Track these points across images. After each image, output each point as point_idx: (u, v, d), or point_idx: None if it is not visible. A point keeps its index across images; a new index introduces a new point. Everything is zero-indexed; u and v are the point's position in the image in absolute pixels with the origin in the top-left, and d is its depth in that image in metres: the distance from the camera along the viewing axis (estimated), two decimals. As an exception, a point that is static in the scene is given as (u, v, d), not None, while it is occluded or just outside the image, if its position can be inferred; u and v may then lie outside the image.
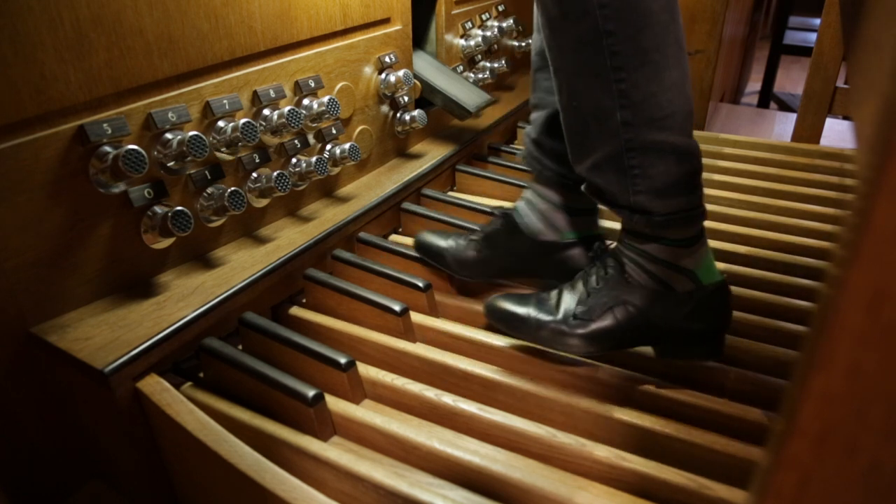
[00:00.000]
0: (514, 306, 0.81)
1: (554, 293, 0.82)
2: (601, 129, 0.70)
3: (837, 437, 0.21)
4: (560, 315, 0.78)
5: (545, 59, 0.86)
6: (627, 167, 0.70)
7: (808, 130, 1.65)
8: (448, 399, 0.77)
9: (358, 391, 0.79)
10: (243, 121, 0.84)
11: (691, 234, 0.73)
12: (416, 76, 1.24)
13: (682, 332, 0.75)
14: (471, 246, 0.96)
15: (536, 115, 0.94)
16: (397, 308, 0.87)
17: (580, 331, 0.77)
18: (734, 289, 0.97)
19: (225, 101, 0.85)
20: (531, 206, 0.94)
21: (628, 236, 0.77)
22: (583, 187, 0.79)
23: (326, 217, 1.03)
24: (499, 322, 0.82)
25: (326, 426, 0.73)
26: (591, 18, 0.65)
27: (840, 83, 1.60)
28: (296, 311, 0.92)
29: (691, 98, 0.70)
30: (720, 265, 1.03)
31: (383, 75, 1.16)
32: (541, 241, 0.93)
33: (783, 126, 2.16)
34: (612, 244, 0.84)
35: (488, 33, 1.49)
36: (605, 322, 0.76)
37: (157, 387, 0.70)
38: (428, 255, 0.98)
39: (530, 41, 1.69)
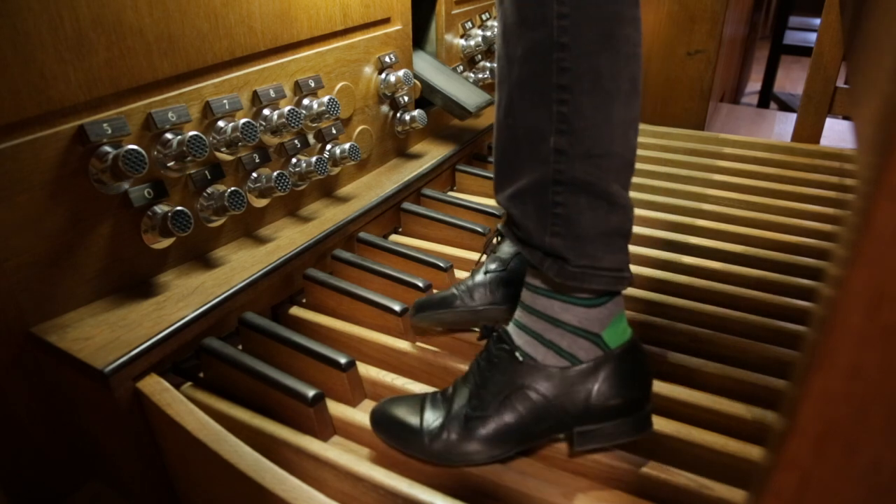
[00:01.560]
0: (405, 414, 0.68)
1: (449, 389, 0.70)
2: (531, 153, 0.62)
3: (837, 437, 0.21)
4: (450, 417, 0.66)
5: None
6: (551, 202, 0.62)
7: (808, 130, 1.65)
8: (448, 399, 0.77)
9: (358, 391, 0.79)
10: (243, 121, 0.84)
11: (602, 293, 0.64)
12: (416, 76, 1.24)
13: (597, 410, 0.64)
14: (474, 273, 0.87)
15: None
16: (397, 308, 0.87)
17: (479, 432, 0.65)
18: (734, 289, 0.97)
19: (225, 101, 0.85)
20: None
21: (530, 292, 0.67)
22: (499, 226, 0.70)
23: (326, 217, 1.03)
24: (387, 437, 0.69)
25: (326, 426, 0.73)
26: (546, 28, 0.58)
27: (840, 83, 1.60)
28: (296, 311, 0.92)
29: (634, 150, 0.63)
30: (719, 266, 1.03)
31: (383, 75, 1.16)
32: None
33: (783, 126, 2.16)
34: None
35: (488, 33, 1.49)
36: (505, 416, 0.65)
37: (157, 387, 0.70)
38: (430, 308, 0.85)
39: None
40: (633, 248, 1.05)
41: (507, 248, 0.89)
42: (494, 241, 0.91)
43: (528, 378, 0.65)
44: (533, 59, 0.59)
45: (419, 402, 0.70)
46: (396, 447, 0.69)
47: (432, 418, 0.67)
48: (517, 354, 0.65)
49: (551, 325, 0.65)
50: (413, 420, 0.68)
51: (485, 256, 0.90)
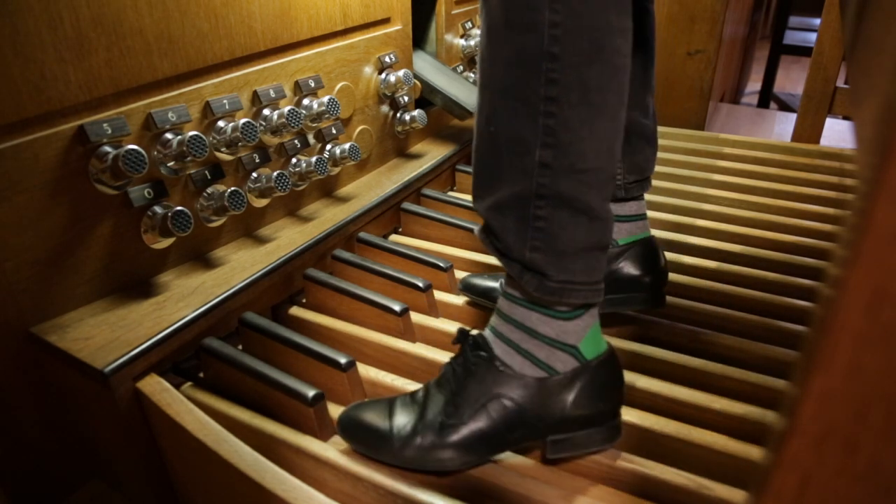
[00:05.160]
0: (374, 418, 0.67)
1: (421, 393, 0.69)
2: (514, 165, 0.60)
3: (837, 437, 0.21)
4: (425, 424, 0.65)
5: None
6: (532, 216, 0.60)
7: (808, 130, 1.65)
8: (448, 399, 0.77)
9: (358, 391, 0.79)
10: (243, 121, 0.84)
11: (580, 306, 0.64)
12: (416, 76, 1.24)
13: (571, 420, 0.65)
14: None
15: None
16: (397, 308, 0.87)
17: (453, 438, 0.64)
18: (734, 289, 0.97)
19: (225, 101, 0.85)
20: None
21: (507, 301, 0.66)
22: (476, 231, 0.69)
23: (326, 217, 1.03)
24: (355, 443, 0.68)
25: (326, 426, 0.73)
26: (536, 35, 0.55)
27: (840, 83, 1.60)
28: (296, 311, 0.92)
29: (616, 161, 0.61)
30: (719, 266, 1.03)
31: (383, 75, 1.16)
32: None
33: (783, 126, 2.16)
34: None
35: (488, 33, 1.49)
36: (479, 423, 0.64)
37: (157, 387, 0.70)
38: (475, 294, 0.92)
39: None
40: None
41: None
42: None
43: (504, 387, 0.64)
44: (519, 65, 0.57)
45: (387, 405, 0.69)
46: (366, 453, 0.68)
47: (403, 422, 0.66)
48: (496, 363, 0.65)
49: (528, 336, 0.64)
50: (383, 424, 0.67)
51: None
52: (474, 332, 0.70)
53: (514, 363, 0.65)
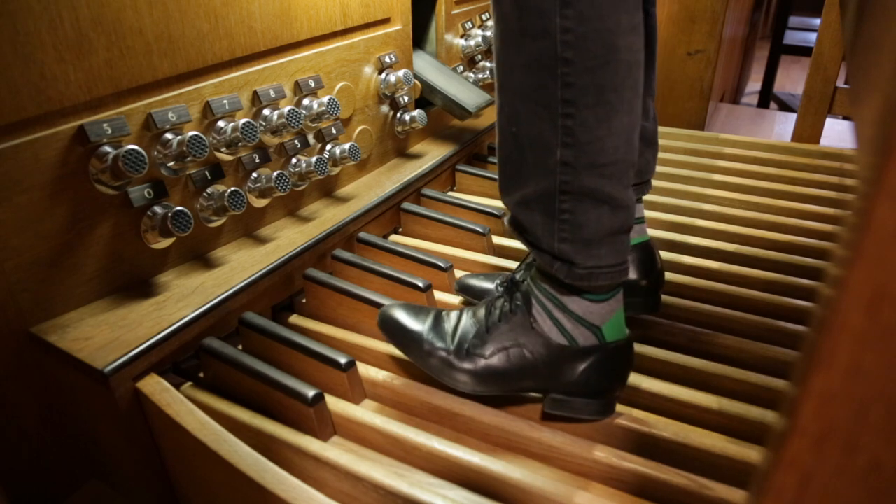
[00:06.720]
0: (408, 320, 0.77)
1: (454, 315, 0.77)
2: (537, 164, 0.64)
3: (837, 437, 0.21)
4: (454, 344, 0.73)
5: None
6: (557, 210, 0.64)
7: (808, 130, 1.65)
8: (448, 399, 0.77)
9: (358, 391, 0.79)
10: (243, 121, 0.84)
11: (609, 290, 0.69)
12: (416, 76, 1.24)
13: (575, 386, 0.71)
14: (515, 274, 0.91)
15: None
16: (397, 308, 0.87)
17: (468, 366, 0.72)
18: (734, 289, 0.97)
19: (225, 101, 0.85)
20: None
21: (543, 278, 0.71)
22: (505, 220, 0.73)
23: (326, 217, 1.03)
24: (389, 335, 0.78)
25: (326, 426, 0.73)
26: (549, 41, 0.58)
27: (840, 83, 1.60)
28: (296, 319, 0.92)
29: (636, 149, 0.65)
30: (719, 266, 1.03)
31: (383, 75, 1.16)
32: None
33: (783, 126, 2.16)
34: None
35: (488, 33, 1.49)
36: (496, 362, 0.71)
37: (157, 387, 0.70)
38: (471, 296, 0.92)
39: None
40: (633, 248, 1.05)
41: None
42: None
43: (529, 340, 0.71)
44: (536, 70, 0.60)
45: (426, 313, 0.77)
46: (395, 346, 0.78)
47: (431, 335, 0.75)
48: (529, 318, 0.71)
49: (558, 309, 0.69)
50: (415, 328, 0.76)
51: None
52: (523, 280, 0.74)
53: (544, 325, 0.70)
